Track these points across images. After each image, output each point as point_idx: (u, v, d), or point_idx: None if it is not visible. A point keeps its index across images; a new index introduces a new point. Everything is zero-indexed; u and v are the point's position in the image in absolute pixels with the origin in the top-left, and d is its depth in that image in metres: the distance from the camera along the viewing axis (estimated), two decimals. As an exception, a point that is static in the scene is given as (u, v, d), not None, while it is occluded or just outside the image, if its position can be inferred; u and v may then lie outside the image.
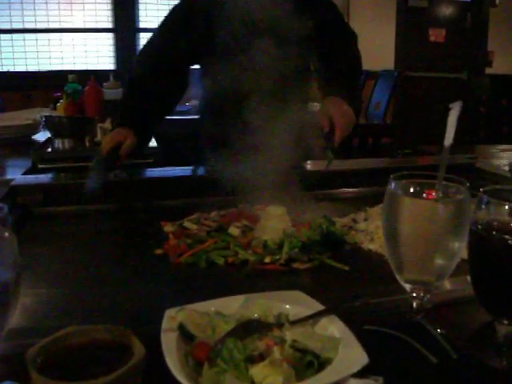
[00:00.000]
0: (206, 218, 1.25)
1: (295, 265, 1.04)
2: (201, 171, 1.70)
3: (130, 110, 1.66)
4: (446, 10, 7.00)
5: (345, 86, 1.60)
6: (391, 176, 0.71)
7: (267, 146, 1.31)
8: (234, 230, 1.15)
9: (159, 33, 1.76)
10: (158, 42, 1.74)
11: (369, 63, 6.07)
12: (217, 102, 1.68)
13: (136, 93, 1.70)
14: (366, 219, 1.32)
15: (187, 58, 1.77)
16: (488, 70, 7.22)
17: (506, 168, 1.73)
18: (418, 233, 0.69)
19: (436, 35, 6.97)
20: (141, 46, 1.81)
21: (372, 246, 1.19)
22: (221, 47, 1.55)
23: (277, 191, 1.27)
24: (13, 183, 1.50)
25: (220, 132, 1.50)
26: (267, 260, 1.03)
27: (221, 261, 1.06)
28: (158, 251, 1.14)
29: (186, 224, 1.23)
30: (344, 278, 1.04)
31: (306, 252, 1.06)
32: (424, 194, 0.72)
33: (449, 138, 0.67)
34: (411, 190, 0.72)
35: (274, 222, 1.12)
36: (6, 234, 0.56)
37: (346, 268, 1.06)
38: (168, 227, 1.23)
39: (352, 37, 1.84)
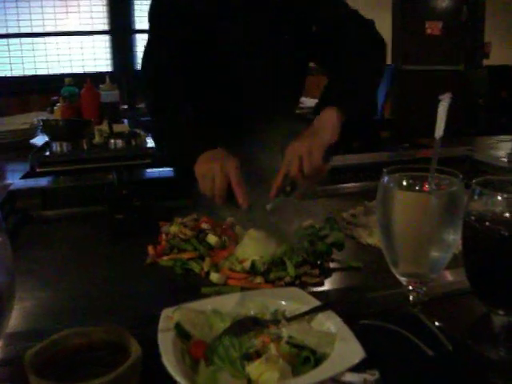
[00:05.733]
0: (184, 223, 1.21)
1: (304, 278, 0.99)
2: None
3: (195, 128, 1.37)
4: (442, 3, 6.98)
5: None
6: (384, 170, 0.71)
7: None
8: (211, 238, 1.11)
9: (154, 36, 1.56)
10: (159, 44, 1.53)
11: (366, 58, 6.11)
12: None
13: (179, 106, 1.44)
14: (365, 214, 1.32)
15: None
16: (485, 62, 7.21)
17: (504, 159, 1.73)
18: (411, 225, 0.69)
19: (432, 28, 6.95)
20: (137, 47, 1.71)
21: (370, 241, 1.18)
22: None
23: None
24: (11, 187, 1.51)
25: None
26: (258, 280, 0.98)
27: (197, 269, 1.05)
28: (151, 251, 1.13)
29: (164, 229, 1.22)
30: (341, 273, 1.04)
31: (315, 265, 1.03)
32: (417, 187, 0.72)
33: (439, 130, 0.67)
34: (404, 183, 0.73)
35: (259, 243, 1.06)
36: (0, 239, 0.56)
37: (361, 265, 1.05)
38: (166, 228, 1.23)
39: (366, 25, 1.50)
